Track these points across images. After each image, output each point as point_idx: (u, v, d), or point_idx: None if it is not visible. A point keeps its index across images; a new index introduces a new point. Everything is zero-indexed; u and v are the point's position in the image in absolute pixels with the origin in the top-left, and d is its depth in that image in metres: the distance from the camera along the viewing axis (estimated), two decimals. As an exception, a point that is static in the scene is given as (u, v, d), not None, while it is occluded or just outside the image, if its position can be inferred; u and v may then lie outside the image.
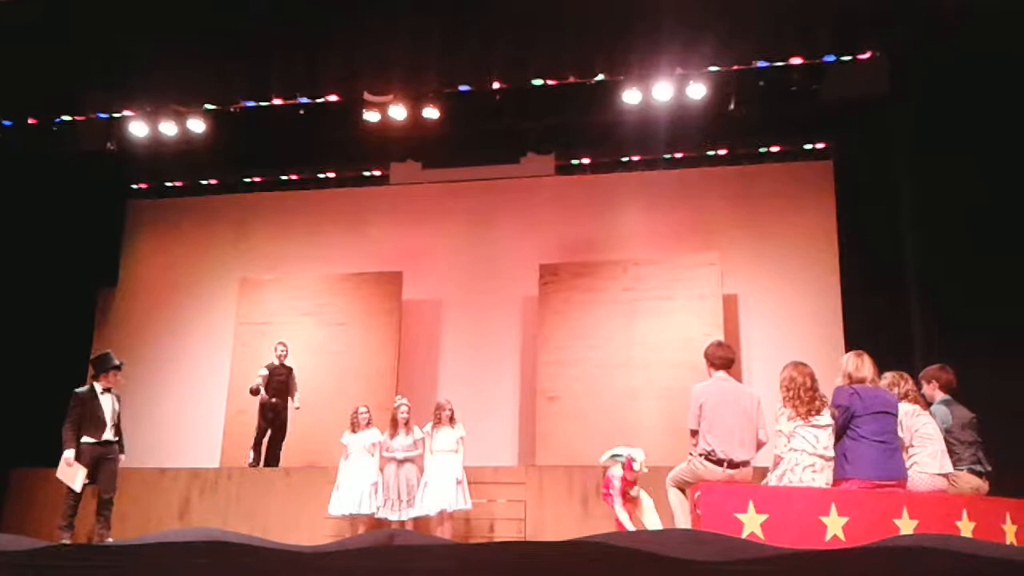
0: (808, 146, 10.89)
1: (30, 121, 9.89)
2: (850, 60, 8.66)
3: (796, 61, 8.67)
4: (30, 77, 9.16)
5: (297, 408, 9.99)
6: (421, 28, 8.70)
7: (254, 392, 9.87)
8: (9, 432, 10.26)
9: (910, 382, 6.18)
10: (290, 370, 10.16)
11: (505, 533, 8.79)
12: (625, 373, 10.16)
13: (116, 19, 8.94)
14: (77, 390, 7.98)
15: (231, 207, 12.28)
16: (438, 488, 8.41)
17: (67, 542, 7.22)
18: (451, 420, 8.66)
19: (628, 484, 6.91)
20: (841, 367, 5.86)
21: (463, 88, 9.29)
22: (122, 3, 8.95)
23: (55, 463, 9.59)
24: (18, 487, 10.07)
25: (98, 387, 7.92)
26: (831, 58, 8.64)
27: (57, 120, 9.96)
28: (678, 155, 11.17)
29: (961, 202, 8.03)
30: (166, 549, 3.06)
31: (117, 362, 8.07)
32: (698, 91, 9.45)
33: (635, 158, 11.31)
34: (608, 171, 11.49)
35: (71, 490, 7.67)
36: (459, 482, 8.39)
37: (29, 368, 10.70)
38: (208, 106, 9.82)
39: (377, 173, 11.93)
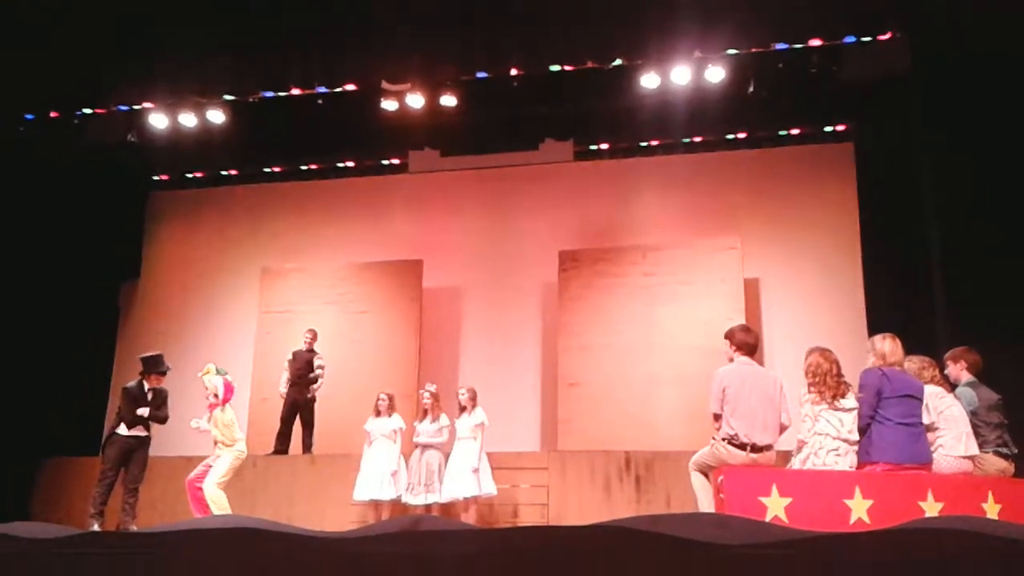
0: (828, 128, 10.81)
1: (52, 115, 9.98)
2: (870, 41, 8.57)
3: (815, 43, 8.61)
4: (51, 71, 9.23)
5: (315, 388, 10.09)
6: (437, 16, 8.70)
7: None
8: (39, 423, 10.41)
9: (937, 368, 6.17)
10: (312, 356, 10.20)
11: (528, 518, 8.83)
12: (646, 358, 10.14)
13: (134, 12, 8.99)
14: (127, 385, 8.20)
15: (251, 197, 12.34)
16: (453, 476, 8.46)
17: (97, 529, 7.34)
18: (470, 406, 8.69)
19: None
20: (871, 348, 5.82)
21: (480, 75, 9.28)
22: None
23: (84, 452, 9.75)
24: (48, 476, 10.21)
25: (145, 385, 8.14)
26: (851, 39, 8.55)
27: (78, 113, 10.05)
28: (697, 139, 11.12)
29: (984, 183, 7.94)
30: (194, 536, 3.09)
31: (166, 367, 8.30)
32: (717, 74, 9.39)
33: (654, 143, 11.27)
34: (627, 156, 11.44)
35: (101, 479, 7.86)
36: (475, 470, 8.39)
37: (56, 360, 10.84)
38: (227, 97, 9.87)
39: (396, 161, 11.97)
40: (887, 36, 8.43)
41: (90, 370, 11.42)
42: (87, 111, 10.00)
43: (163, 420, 8.21)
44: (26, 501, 9.88)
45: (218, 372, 7.89)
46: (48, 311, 10.84)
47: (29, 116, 9.99)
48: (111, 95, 9.67)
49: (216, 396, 7.76)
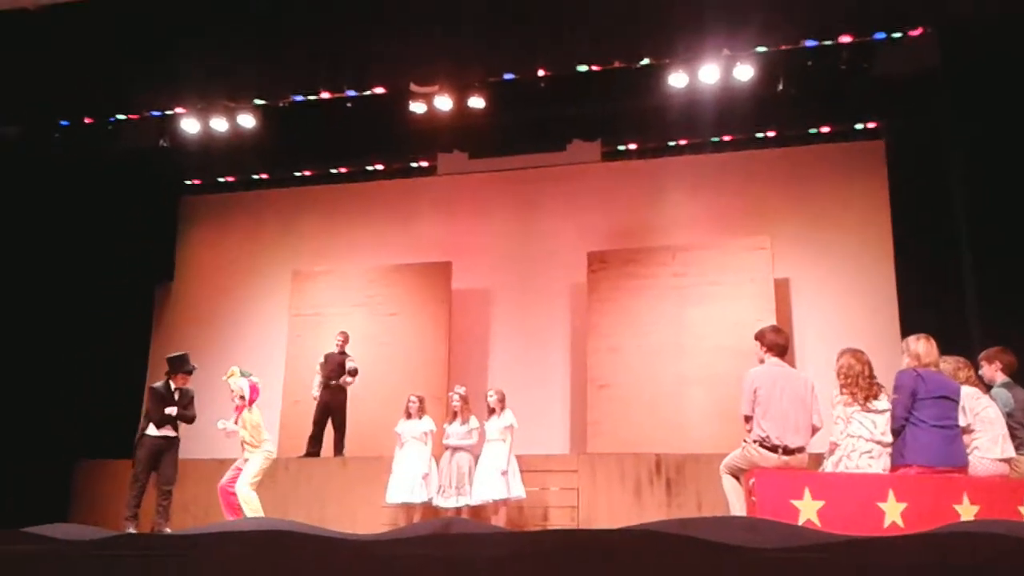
0: (859, 126, 10.68)
1: (86, 121, 10.12)
2: (901, 37, 8.48)
3: (845, 39, 8.52)
4: (84, 78, 9.35)
5: (349, 382, 10.10)
6: (465, 18, 8.71)
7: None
8: (74, 426, 10.56)
9: (972, 369, 6.08)
10: (344, 358, 10.23)
11: (558, 521, 8.81)
12: (675, 360, 10.09)
13: (164, 19, 9.10)
14: (153, 385, 8.34)
15: (281, 201, 12.43)
16: (482, 479, 8.47)
17: (132, 531, 7.43)
18: (499, 409, 8.69)
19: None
20: (905, 349, 5.74)
21: (508, 76, 9.28)
22: (170, 2, 9.10)
23: (119, 455, 9.87)
24: (84, 479, 10.34)
25: (172, 384, 8.25)
26: (881, 35, 8.47)
27: (111, 119, 10.19)
28: (726, 138, 11.04)
29: (1018, 179, 7.82)
30: (227, 538, 3.12)
31: (191, 367, 8.42)
32: (745, 72, 9.32)
33: (682, 142, 11.19)
34: (655, 156, 11.39)
35: (133, 481, 7.96)
36: (503, 473, 8.37)
37: (91, 363, 10.99)
38: (257, 101, 9.96)
39: (424, 164, 11.99)
40: (917, 32, 8.33)
41: (124, 373, 11.56)
42: (120, 117, 10.13)
43: (190, 420, 8.29)
44: (64, 503, 10.02)
45: (242, 374, 7.97)
46: (83, 314, 11.00)
47: (64, 122, 10.15)
48: (143, 101, 9.78)
49: (242, 398, 7.84)
